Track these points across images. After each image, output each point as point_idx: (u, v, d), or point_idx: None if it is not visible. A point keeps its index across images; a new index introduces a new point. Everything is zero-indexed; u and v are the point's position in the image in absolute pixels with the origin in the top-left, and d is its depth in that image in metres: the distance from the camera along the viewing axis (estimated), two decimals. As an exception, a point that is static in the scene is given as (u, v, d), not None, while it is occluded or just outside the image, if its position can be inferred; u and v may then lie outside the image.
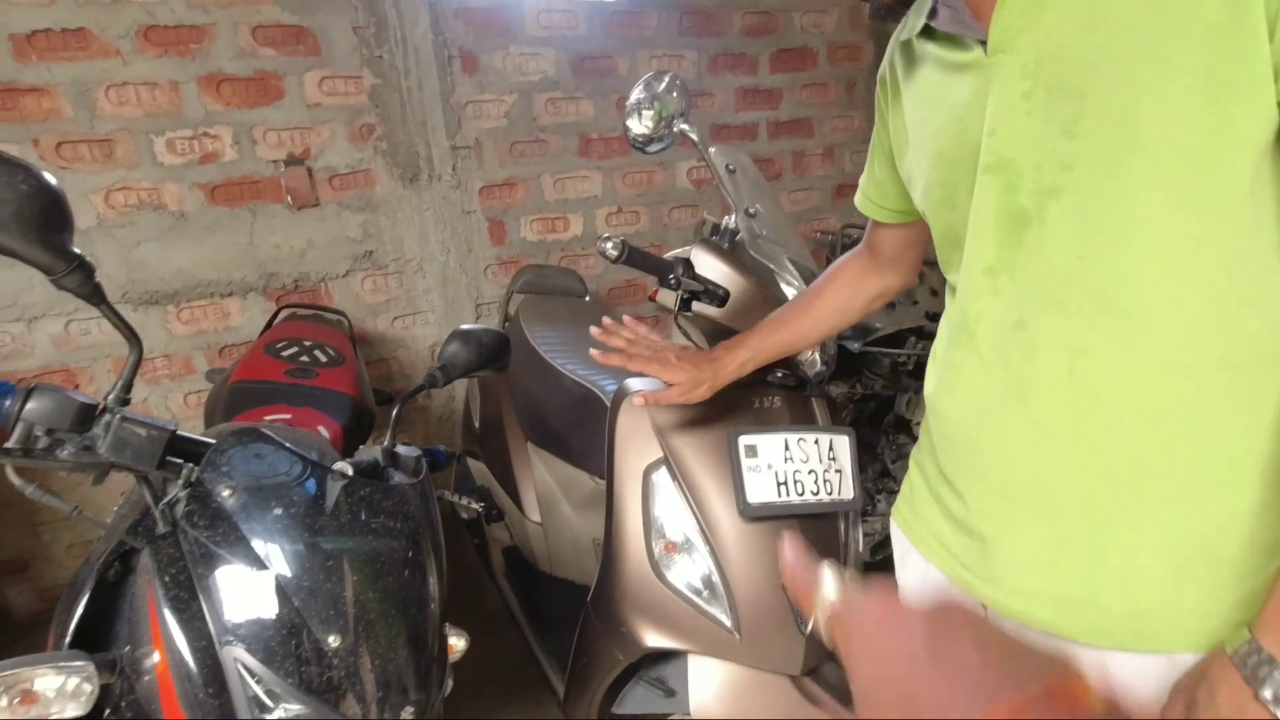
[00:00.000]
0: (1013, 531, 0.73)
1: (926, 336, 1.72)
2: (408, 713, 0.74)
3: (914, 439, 1.78)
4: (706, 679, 1.13)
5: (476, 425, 2.11)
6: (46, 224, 0.68)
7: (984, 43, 0.64)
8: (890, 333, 1.77)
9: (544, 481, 1.75)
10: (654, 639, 1.12)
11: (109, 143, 2.08)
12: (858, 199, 0.97)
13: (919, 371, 1.77)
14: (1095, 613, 0.69)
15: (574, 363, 1.73)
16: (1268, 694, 0.56)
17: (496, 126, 2.52)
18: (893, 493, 1.87)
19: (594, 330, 1.05)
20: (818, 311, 1.05)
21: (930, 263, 1.15)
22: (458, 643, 1.01)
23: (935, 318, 1.68)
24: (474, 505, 1.22)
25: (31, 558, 2.29)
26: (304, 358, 1.81)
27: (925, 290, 1.75)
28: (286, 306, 2.25)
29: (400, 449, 1.05)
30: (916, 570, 0.88)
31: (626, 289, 2.90)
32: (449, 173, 2.48)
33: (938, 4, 0.68)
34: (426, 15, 2.33)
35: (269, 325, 2.12)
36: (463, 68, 2.43)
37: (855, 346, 1.82)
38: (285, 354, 1.80)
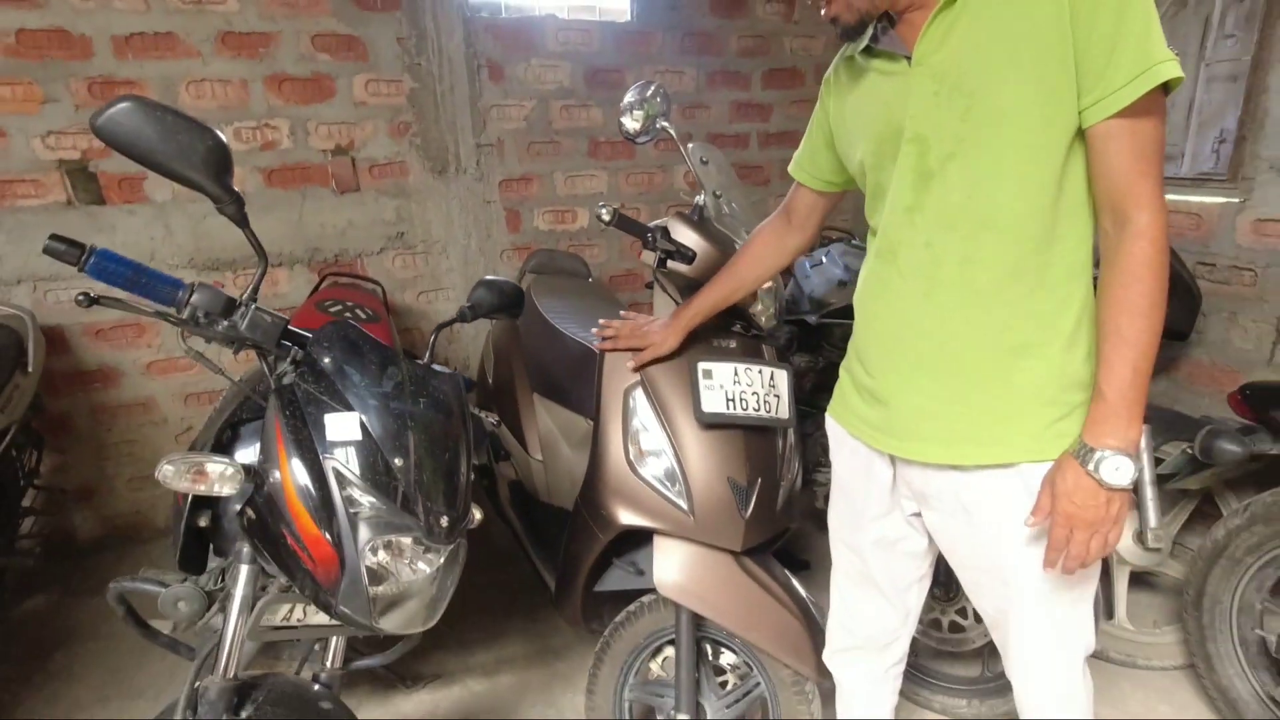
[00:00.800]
0: (913, 392, 1.06)
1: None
2: (443, 520, 1.06)
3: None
4: (667, 555, 1.44)
5: (490, 381, 2.43)
6: (220, 168, 1.01)
7: (908, 58, 0.97)
8: (841, 306, 2.10)
9: (546, 425, 2.07)
10: (627, 518, 1.44)
11: (186, 129, 2.43)
12: (791, 167, 1.31)
13: (866, 342, 2.09)
14: (972, 444, 1.03)
15: (574, 326, 2.06)
16: (1093, 470, 0.92)
17: (517, 128, 2.87)
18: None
19: (595, 329, 1.49)
20: (743, 267, 1.39)
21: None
22: (478, 514, 1.33)
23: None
24: (490, 419, 1.55)
25: (96, 488, 2.62)
26: (347, 314, 2.15)
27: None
28: (330, 274, 2.60)
29: (435, 366, 1.37)
30: (842, 448, 1.23)
31: (626, 277, 3.24)
32: (474, 167, 2.83)
33: (878, 32, 1.00)
34: (461, 30, 2.69)
35: (316, 289, 2.46)
36: (490, 76, 2.78)
37: (813, 319, 2.15)
38: (332, 310, 2.14)
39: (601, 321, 1.51)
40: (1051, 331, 0.98)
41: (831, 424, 1.26)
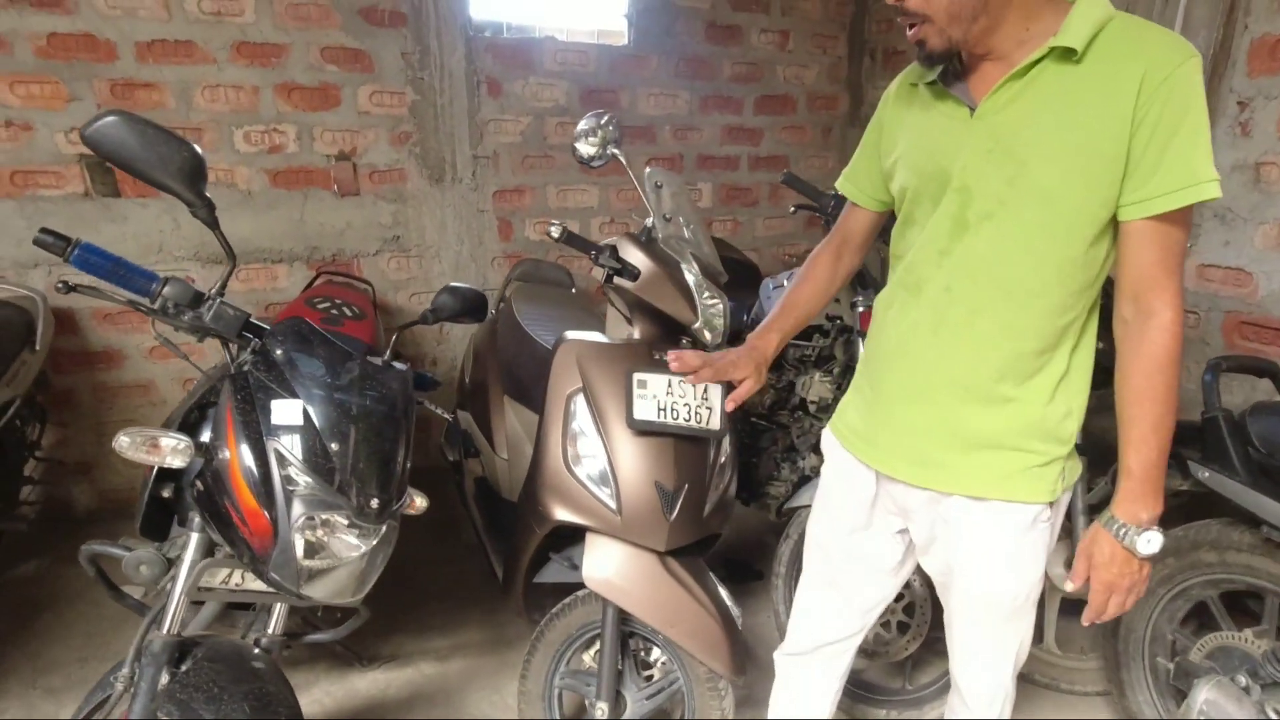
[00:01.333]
0: (905, 416, 1.16)
1: (825, 334, 2.14)
2: (374, 502, 1.18)
3: (811, 416, 2.20)
4: (597, 552, 1.55)
5: (467, 383, 2.56)
6: (194, 176, 1.14)
7: (971, 109, 1.03)
8: (797, 329, 2.20)
9: (513, 426, 2.19)
10: (561, 514, 1.55)
11: (199, 131, 2.59)
12: (842, 184, 1.32)
13: (820, 361, 2.19)
14: (948, 472, 1.13)
15: (547, 334, 2.17)
16: (1128, 543, 1.02)
17: (512, 142, 3.01)
18: (796, 465, 2.27)
19: (672, 364, 1.36)
20: (811, 292, 1.43)
21: None
22: (420, 501, 1.45)
23: (834, 318, 2.10)
24: (444, 413, 1.67)
25: (95, 463, 2.77)
26: (334, 311, 2.28)
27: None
28: (324, 272, 2.75)
29: (395, 363, 1.49)
30: (832, 459, 1.32)
31: (614, 289, 3.35)
32: (469, 177, 2.97)
33: (949, 73, 1.05)
34: (463, 47, 2.83)
35: (309, 285, 2.60)
36: (488, 91, 2.93)
37: (772, 339, 2.24)
38: (320, 306, 2.28)
39: (672, 354, 1.38)
40: (1038, 388, 1.08)
41: (827, 434, 1.35)
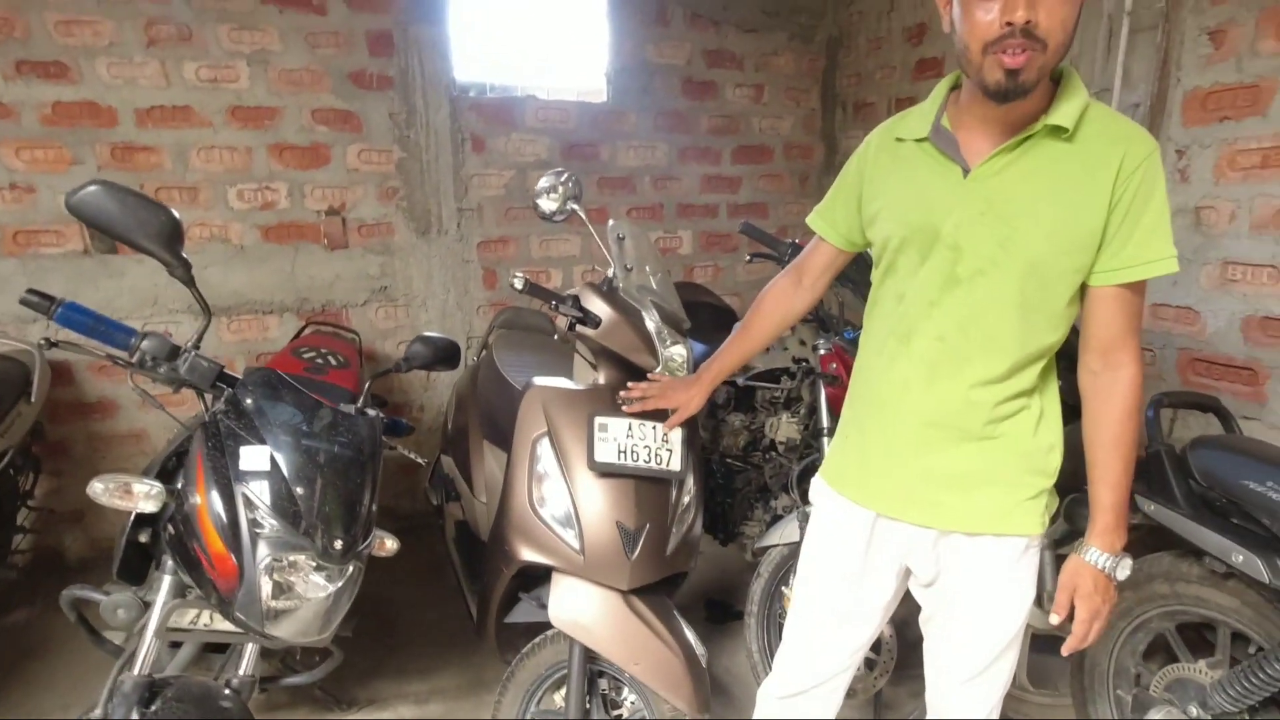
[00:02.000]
0: (900, 459, 1.23)
1: (792, 376, 2.20)
2: (338, 544, 1.23)
3: (781, 456, 2.25)
4: (562, 591, 1.59)
5: (450, 429, 2.62)
6: (173, 239, 1.23)
7: (965, 170, 1.11)
8: (765, 370, 2.27)
9: (492, 470, 2.24)
10: (527, 554, 1.59)
11: (194, 190, 2.72)
12: (814, 220, 1.39)
13: (788, 403, 2.25)
14: (944, 511, 1.21)
15: (525, 379, 2.25)
16: (1110, 570, 1.14)
17: (496, 195, 3.13)
18: (769, 505, 2.31)
19: (620, 396, 1.54)
20: (757, 326, 1.51)
21: (804, 321, 1.69)
22: (390, 543, 1.51)
23: (800, 361, 2.17)
24: (417, 457, 1.73)
25: (87, 510, 2.82)
26: (319, 360, 2.36)
27: (795, 340, 2.24)
28: (311, 323, 2.84)
29: (367, 409, 1.56)
30: (825, 504, 1.37)
31: (597, 334, 3.44)
32: (454, 229, 3.09)
33: (937, 133, 1.13)
34: (448, 107, 2.97)
35: (297, 335, 2.69)
36: (473, 148, 3.06)
37: (740, 381, 2.32)
38: (306, 356, 2.36)
39: (623, 393, 1.56)
40: (1023, 425, 1.18)
41: (818, 481, 1.40)
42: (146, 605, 1.44)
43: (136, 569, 1.50)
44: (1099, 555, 1.14)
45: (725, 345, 1.55)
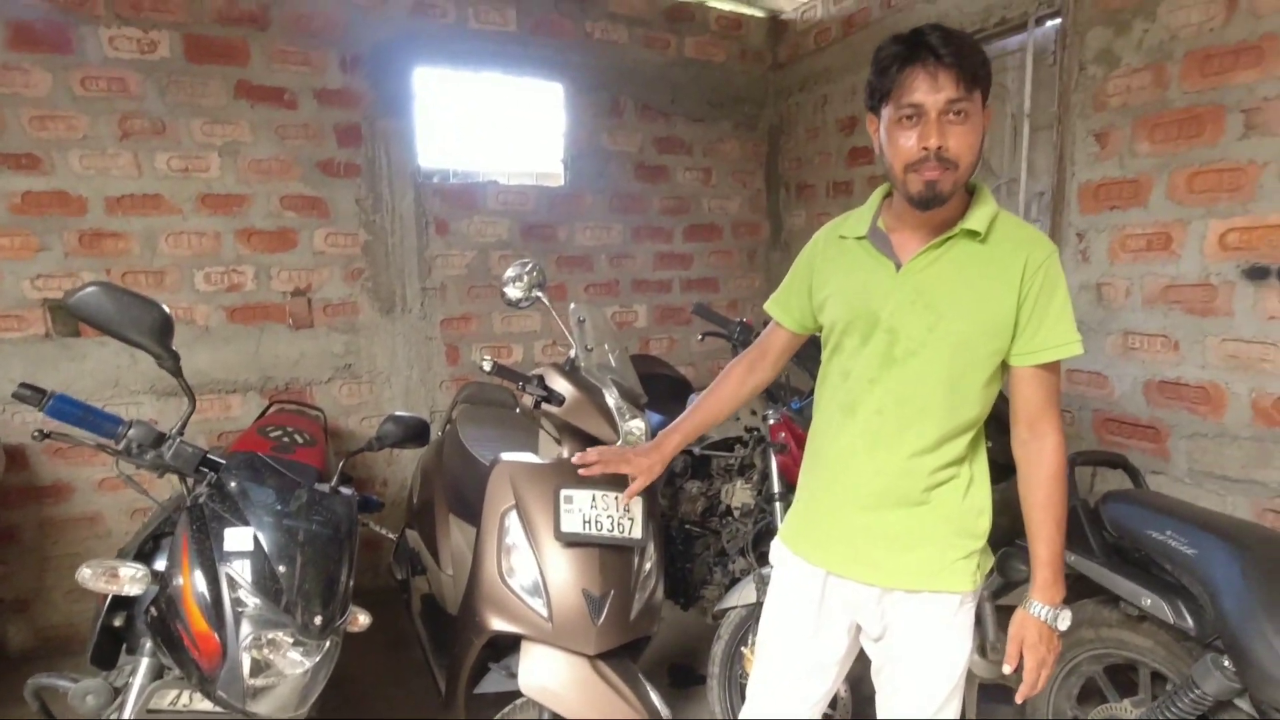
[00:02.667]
0: (846, 521, 1.37)
1: (745, 444, 2.34)
2: (317, 619, 1.29)
3: (737, 521, 2.36)
4: (532, 659, 1.65)
5: (415, 503, 2.67)
6: (164, 334, 1.32)
7: (897, 265, 1.29)
8: (720, 440, 2.40)
9: (458, 543, 2.29)
10: (497, 623, 1.66)
11: (161, 274, 2.78)
12: (771, 306, 1.54)
13: (742, 470, 2.38)
14: (885, 570, 1.33)
15: (490, 453, 2.33)
16: (1052, 622, 1.27)
17: (459, 274, 3.27)
18: (727, 568, 2.40)
19: (576, 460, 1.57)
20: (717, 400, 1.63)
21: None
22: (363, 618, 1.56)
23: (752, 430, 2.31)
24: (388, 533, 1.79)
25: (33, 599, 2.75)
26: (285, 439, 2.41)
27: (747, 410, 2.39)
28: (276, 401, 2.88)
29: (341, 488, 1.63)
30: (783, 564, 1.49)
31: (558, 406, 3.54)
32: (418, 307, 3.20)
33: (874, 234, 1.31)
34: (412, 192, 3.12)
35: (263, 414, 2.73)
36: (436, 230, 3.20)
37: (697, 450, 2.44)
38: (272, 435, 2.40)
39: (578, 456, 1.57)
40: (953, 491, 1.32)
41: (777, 543, 1.52)
42: (116, 691, 1.45)
43: (107, 655, 1.51)
44: (1041, 608, 1.27)
45: (686, 416, 1.65)
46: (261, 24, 2.82)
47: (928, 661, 1.35)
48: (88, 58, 2.60)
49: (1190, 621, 1.52)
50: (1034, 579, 1.30)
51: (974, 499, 1.33)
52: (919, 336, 1.26)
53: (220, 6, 2.75)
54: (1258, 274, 1.95)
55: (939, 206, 1.21)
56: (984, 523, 1.34)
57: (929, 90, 1.15)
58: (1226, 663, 1.44)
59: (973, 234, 1.24)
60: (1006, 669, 1.32)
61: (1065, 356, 1.23)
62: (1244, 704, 1.45)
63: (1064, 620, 1.28)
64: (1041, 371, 1.26)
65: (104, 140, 2.66)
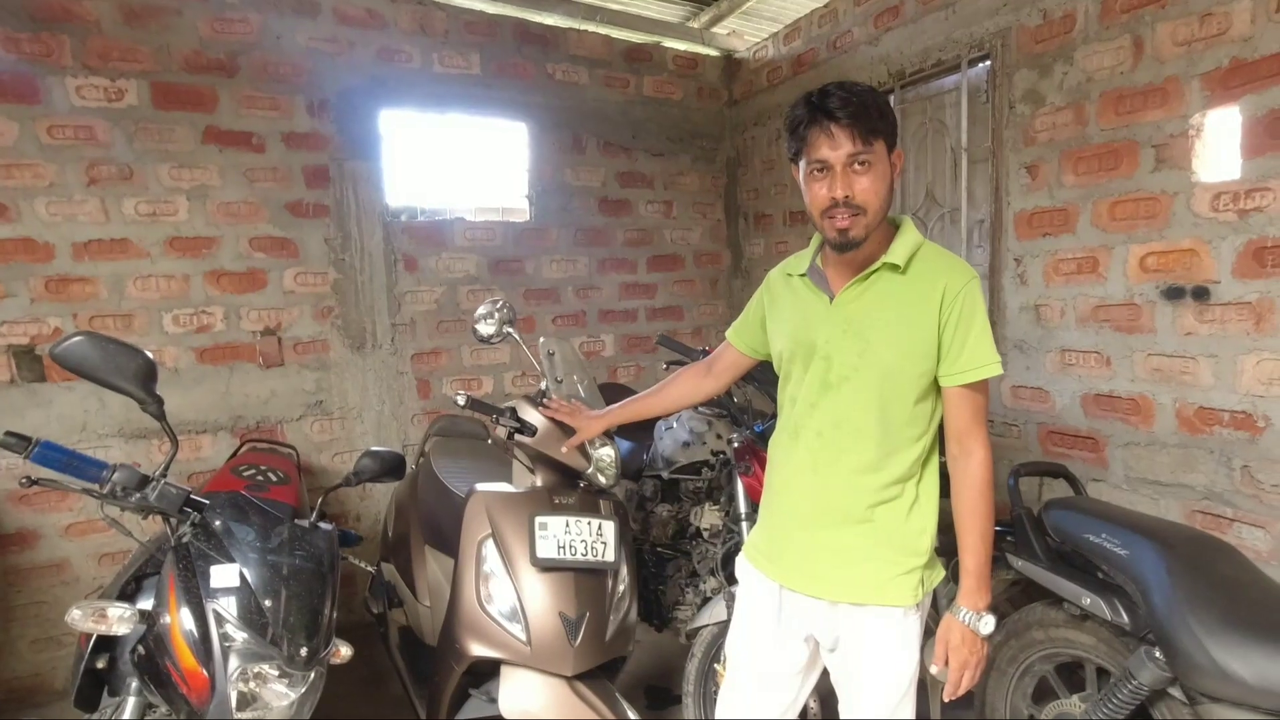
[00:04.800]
0: (797, 537, 1.46)
1: (712, 468, 2.43)
2: (303, 651, 1.33)
3: (706, 542, 2.44)
4: (511, 682, 1.70)
5: (390, 536, 2.70)
6: (147, 379, 1.37)
7: (830, 298, 1.40)
8: (687, 464, 2.49)
9: (434, 574, 2.33)
10: (477, 649, 1.71)
11: (130, 316, 2.80)
12: (730, 333, 1.70)
13: (710, 493, 2.46)
14: (832, 584, 1.42)
15: (464, 485, 2.38)
16: (973, 626, 1.35)
17: (428, 309, 3.33)
18: (699, 589, 2.48)
19: (546, 402, 1.85)
20: (665, 396, 1.80)
21: (720, 417, 1.97)
22: (345, 650, 1.60)
23: (718, 454, 2.40)
24: (367, 566, 1.84)
25: (-2, 652, 2.71)
26: (259, 477, 2.43)
27: (713, 434, 2.48)
28: (249, 440, 2.90)
29: (320, 524, 1.68)
30: (746, 579, 1.58)
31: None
32: (389, 343, 3.25)
33: (812, 272, 1.45)
34: (380, 231, 3.19)
35: (235, 454, 2.75)
36: (405, 267, 3.27)
37: (665, 474, 2.53)
38: (246, 474, 2.42)
39: (546, 401, 1.86)
40: (897, 510, 1.41)
41: (741, 558, 1.62)
42: (99, 733, 1.47)
43: (89, 698, 1.53)
44: (964, 613, 1.36)
45: (636, 398, 1.85)
46: (229, 71, 2.89)
47: (878, 670, 1.43)
48: (54, 107, 2.64)
49: (1125, 618, 1.63)
50: (961, 585, 1.38)
51: (918, 518, 1.41)
52: (851, 363, 1.37)
53: (188, 55, 2.81)
54: (1174, 294, 2.12)
55: (854, 250, 1.34)
56: (925, 541, 1.41)
57: (831, 148, 1.28)
58: (1158, 654, 1.55)
59: (894, 267, 1.35)
60: (934, 669, 1.41)
61: (986, 377, 1.33)
62: (1176, 692, 1.57)
63: (986, 625, 1.35)
64: (966, 391, 1.34)
65: (71, 187, 2.68)
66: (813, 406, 1.42)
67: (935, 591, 2.10)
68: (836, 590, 1.42)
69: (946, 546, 1.46)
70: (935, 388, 1.39)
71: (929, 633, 1.48)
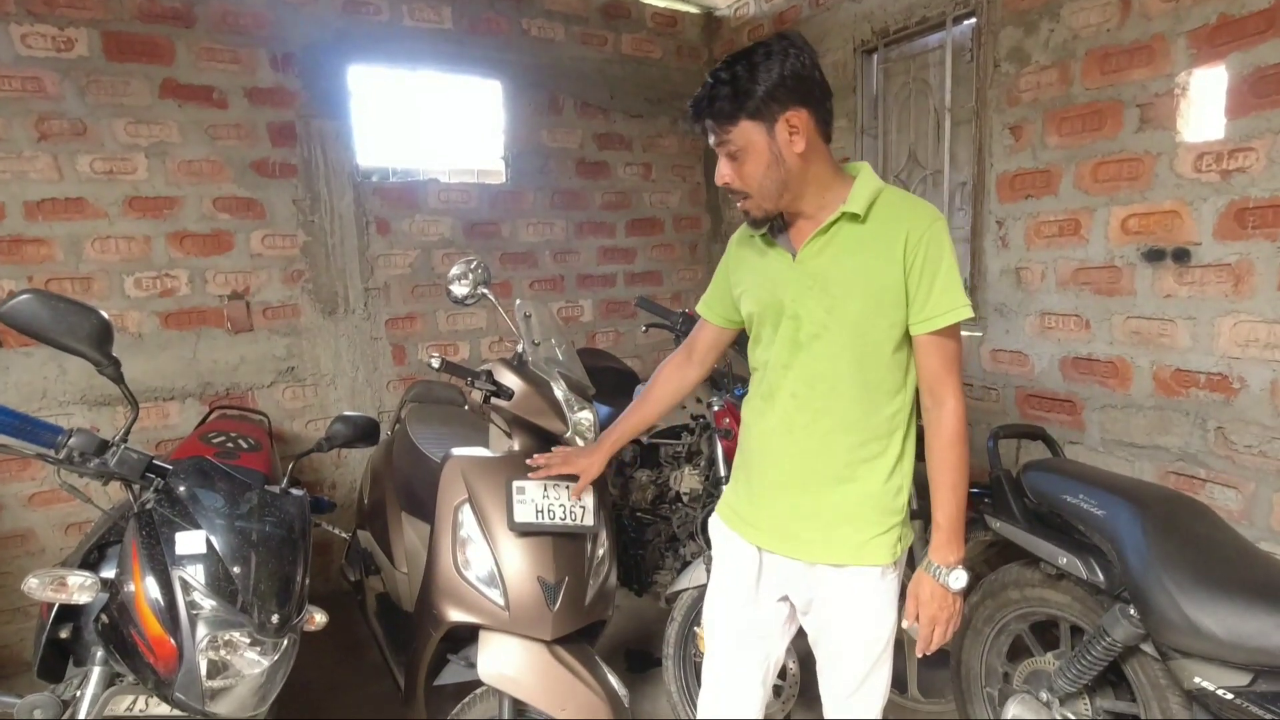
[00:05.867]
0: (774, 502, 1.43)
1: (691, 432, 2.42)
2: (274, 618, 1.29)
3: (686, 506, 2.43)
4: (490, 647, 1.68)
5: (366, 503, 2.66)
6: (102, 340, 1.30)
7: (794, 255, 1.35)
8: (667, 428, 2.47)
9: (411, 540, 2.30)
10: (455, 615, 1.68)
11: (88, 280, 2.69)
12: (701, 307, 1.62)
13: (690, 457, 2.45)
14: (812, 546, 1.40)
15: (441, 451, 2.34)
16: (943, 581, 1.32)
17: (402, 274, 3.25)
18: (679, 553, 2.48)
19: (529, 461, 1.72)
20: (651, 401, 1.71)
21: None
22: (319, 617, 1.56)
23: (698, 418, 2.38)
24: (341, 533, 1.80)
25: (-38, 624, 2.64)
26: (229, 444, 2.37)
27: (692, 398, 2.46)
28: (218, 407, 2.82)
29: (291, 490, 1.63)
30: (722, 543, 1.56)
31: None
32: (361, 308, 3.17)
33: (774, 229, 1.39)
34: (351, 192, 3.09)
35: (204, 421, 2.67)
36: (377, 230, 3.18)
37: (644, 439, 2.51)
38: (215, 441, 2.36)
39: (530, 460, 1.74)
40: (873, 471, 1.37)
41: (715, 519, 1.59)
42: (65, 705, 1.43)
43: (54, 668, 1.49)
44: (935, 567, 1.34)
45: (625, 415, 1.75)
46: (186, 21, 2.75)
47: (855, 631, 1.42)
48: (-1, 56, 2.50)
49: (1101, 576, 1.65)
50: (932, 540, 1.35)
51: (897, 476, 1.38)
52: (820, 319, 1.33)
53: (140, 3, 2.67)
54: (1155, 256, 2.11)
55: (760, 228, 1.36)
56: (901, 500, 1.39)
57: (708, 138, 1.31)
58: (1132, 611, 1.57)
59: (854, 216, 1.30)
60: (905, 624, 1.40)
61: (955, 321, 1.27)
62: (1148, 648, 1.59)
63: (957, 580, 1.32)
64: (936, 338, 1.30)
65: (19, 142, 2.55)
66: (785, 368, 1.39)
67: (912, 549, 2.12)
68: (816, 552, 1.41)
69: (925, 510, 1.46)
70: (910, 336, 1.34)
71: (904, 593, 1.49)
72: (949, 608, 1.34)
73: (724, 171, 1.31)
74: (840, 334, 1.32)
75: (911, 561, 2.02)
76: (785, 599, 1.50)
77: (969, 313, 1.29)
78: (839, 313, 1.31)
